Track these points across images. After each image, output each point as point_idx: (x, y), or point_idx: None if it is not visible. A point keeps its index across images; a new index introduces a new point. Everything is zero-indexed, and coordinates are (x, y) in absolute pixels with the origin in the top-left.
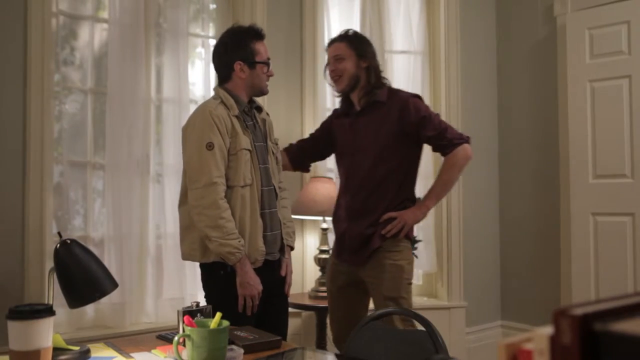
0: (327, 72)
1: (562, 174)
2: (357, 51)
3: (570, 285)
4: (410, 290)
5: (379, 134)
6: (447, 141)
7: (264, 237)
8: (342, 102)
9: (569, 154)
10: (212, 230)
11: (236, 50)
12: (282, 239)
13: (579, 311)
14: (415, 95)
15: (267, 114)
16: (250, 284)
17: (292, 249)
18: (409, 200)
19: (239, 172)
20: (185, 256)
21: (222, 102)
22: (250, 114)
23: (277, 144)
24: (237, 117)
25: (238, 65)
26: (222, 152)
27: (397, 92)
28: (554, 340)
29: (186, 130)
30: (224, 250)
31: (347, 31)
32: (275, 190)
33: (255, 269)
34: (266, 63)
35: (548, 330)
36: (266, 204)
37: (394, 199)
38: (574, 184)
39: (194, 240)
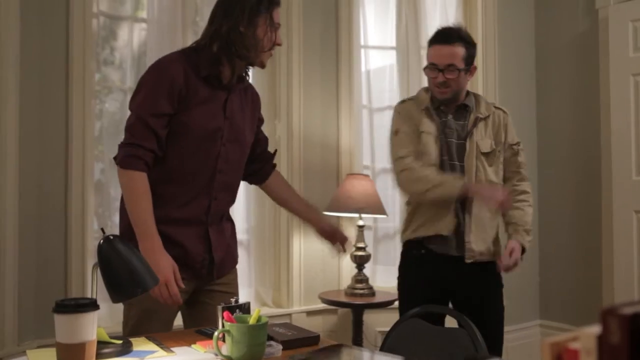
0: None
1: (604, 170)
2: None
3: (613, 285)
4: None
5: None
6: None
7: None
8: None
9: (611, 149)
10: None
11: None
12: None
13: (628, 310)
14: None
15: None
16: None
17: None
18: None
19: None
20: None
21: None
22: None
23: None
24: None
25: None
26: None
27: None
28: (601, 340)
29: None
30: None
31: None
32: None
33: None
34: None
35: (595, 329)
36: None
37: None
38: (617, 180)
39: None
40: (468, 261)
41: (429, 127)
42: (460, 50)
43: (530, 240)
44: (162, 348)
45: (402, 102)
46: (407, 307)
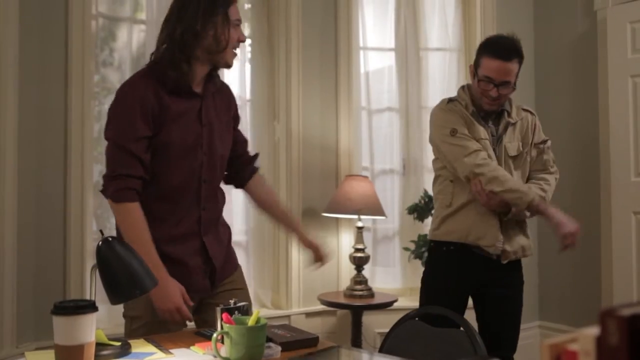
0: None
1: (603, 171)
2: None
3: (612, 286)
4: None
5: None
6: None
7: None
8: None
9: (610, 151)
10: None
11: None
12: None
13: (626, 312)
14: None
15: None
16: None
17: None
18: None
19: None
20: None
21: None
22: None
23: None
24: None
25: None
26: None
27: None
28: (600, 341)
29: None
30: None
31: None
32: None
33: None
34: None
35: (594, 330)
36: None
37: None
38: (615, 182)
39: None
40: (504, 262)
41: (483, 133)
42: (516, 67)
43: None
44: (160, 350)
45: (449, 101)
46: (433, 302)
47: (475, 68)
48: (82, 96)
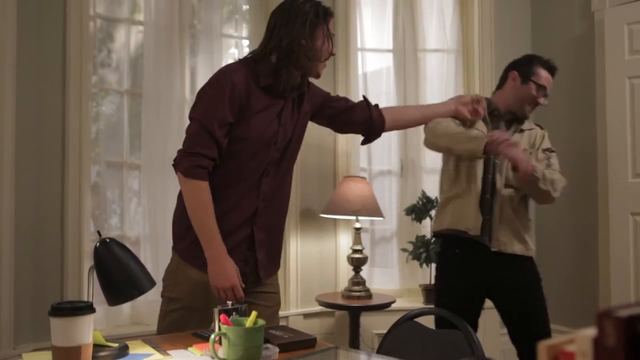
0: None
1: (601, 172)
2: None
3: (609, 287)
4: None
5: None
6: None
7: None
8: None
9: (607, 152)
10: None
11: None
12: None
13: (624, 313)
14: None
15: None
16: None
17: None
18: None
19: None
20: None
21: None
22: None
23: None
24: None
25: None
26: None
27: None
28: (597, 342)
29: None
30: None
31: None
32: None
33: None
34: None
35: (591, 332)
36: None
37: None
38: (613, 183)
39: None
40: (493, 249)
41: (481, 126)
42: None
43: (541, 174)
44: (158, 351)
45: None
46: (447, 300)
47: (523, 76)
48: (79, 97)
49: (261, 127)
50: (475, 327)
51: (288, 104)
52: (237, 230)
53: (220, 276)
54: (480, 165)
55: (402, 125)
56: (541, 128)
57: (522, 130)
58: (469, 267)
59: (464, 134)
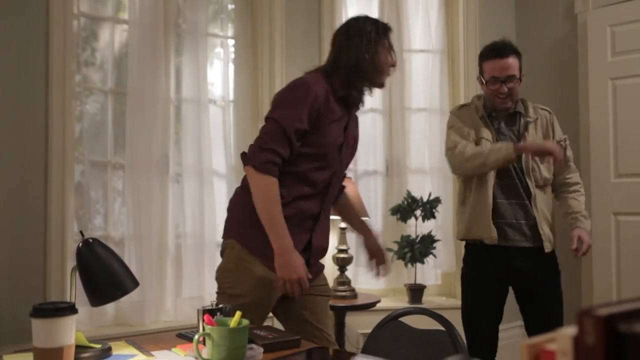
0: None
1: (583, 173)
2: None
3: (592, 286)
4: None
5: None
6: None
7: None
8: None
9: (590, 152)
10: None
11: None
12: None
13: (603, 312)
14: None
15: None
16: None
17: None
18: None
19: None
20: None
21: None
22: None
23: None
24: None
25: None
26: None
27: None
28: (577, 341)
29: None
30: None
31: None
32: None
33: None
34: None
35: (571, 330)
36: None
37: None
38: (596, 183)
39: None
40: (547, 250)
41: (487, 134)
42: (515, 62)
43: (590, 224)
44: (141, 352)
45: (460, 107)
46: (472, 298)
47: (481, 76)
48: (63, 96)
49: (335, 135)
50: (500, 317)
51: (351, 118)
52: (295, 235)
53: (289, 268)
54: (491, 174)
55: (342, 215)
56: (548, 111)
57: (532, 122)
58: (495, 259)
59: (490, 147)
